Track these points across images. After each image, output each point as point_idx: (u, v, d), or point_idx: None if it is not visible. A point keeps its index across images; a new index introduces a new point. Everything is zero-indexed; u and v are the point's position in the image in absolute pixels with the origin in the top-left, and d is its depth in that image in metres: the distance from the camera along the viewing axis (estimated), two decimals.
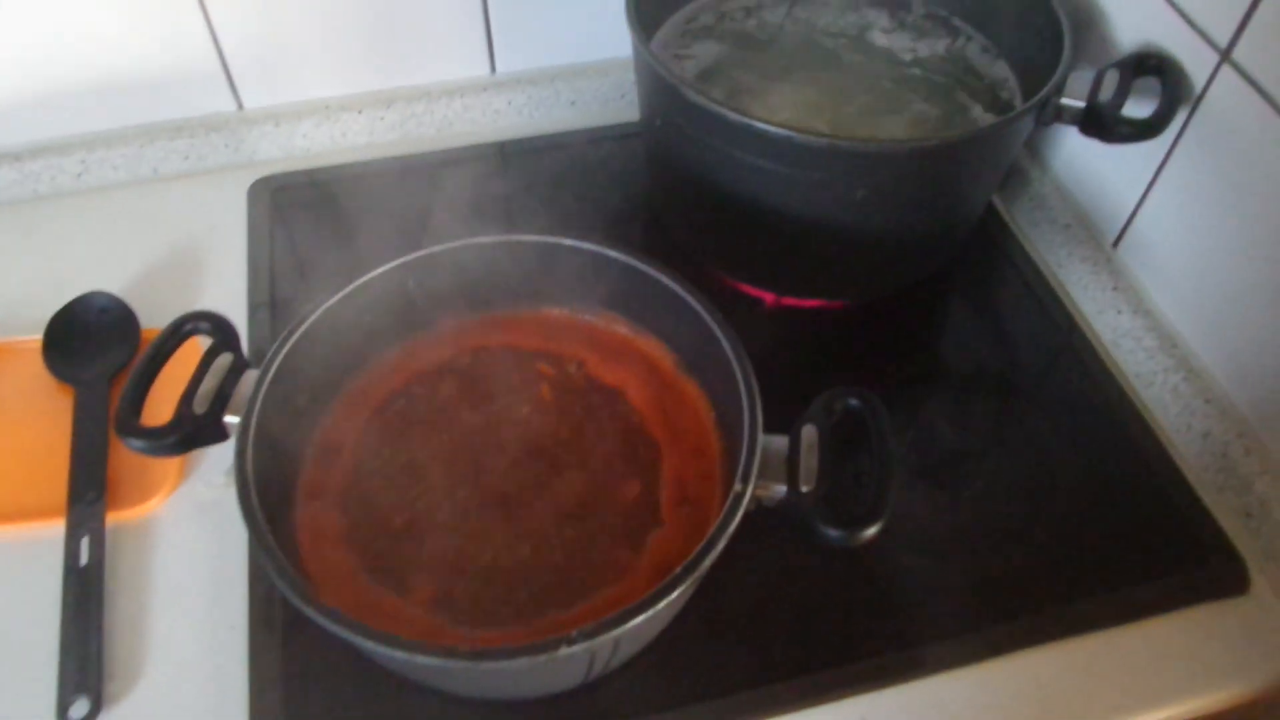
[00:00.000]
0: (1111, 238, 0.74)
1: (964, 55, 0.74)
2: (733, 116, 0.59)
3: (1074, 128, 0.65)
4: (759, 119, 0.58)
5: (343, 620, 0.43)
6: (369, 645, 0.43)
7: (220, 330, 0.54)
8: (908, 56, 0.73)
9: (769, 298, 0.73)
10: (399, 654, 0.42)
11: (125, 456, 0.62)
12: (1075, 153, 0.76)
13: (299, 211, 0.79)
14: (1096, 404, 0.69)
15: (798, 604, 0.59)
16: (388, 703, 0.54)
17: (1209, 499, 0.64)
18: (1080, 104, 0.63)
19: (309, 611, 0.43)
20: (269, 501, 0.49)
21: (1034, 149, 0.81)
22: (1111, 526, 0.63)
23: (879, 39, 0.75)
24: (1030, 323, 0.75)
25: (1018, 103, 0.70)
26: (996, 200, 0.81)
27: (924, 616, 0.59)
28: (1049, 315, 0.74)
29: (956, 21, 0.76)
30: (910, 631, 0.58)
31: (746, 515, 0.49)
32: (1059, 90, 0.63)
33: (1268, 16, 0.57)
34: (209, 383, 0.51)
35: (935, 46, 0.74)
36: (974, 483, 0.65)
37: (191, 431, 0.50)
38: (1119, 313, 0.71)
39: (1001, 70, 0.72)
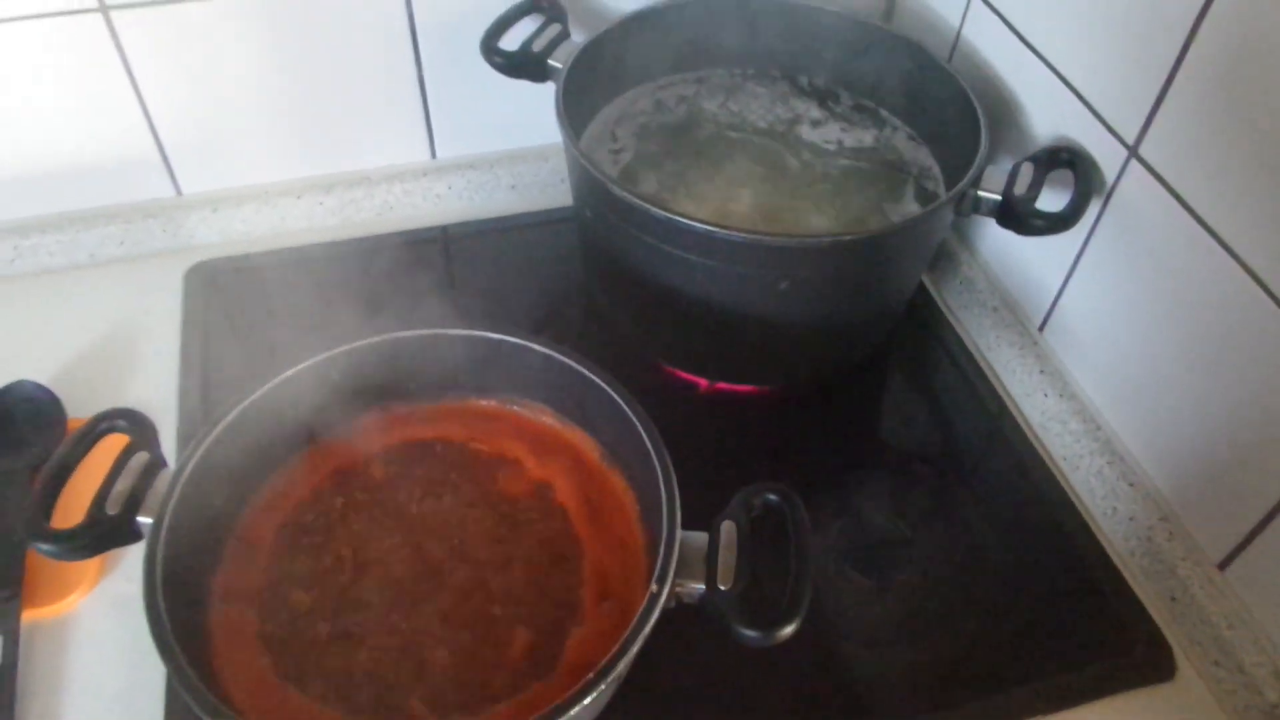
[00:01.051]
0: (1038, 322, 0.75)
1: (891, 145, 0.76)
2: (656, 212, 0.60)
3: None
4: (681, 215, 0.59)
5: None
6: None
7: (137, 428, 0.53)
8: (835, 146, 0.75)
9: (702, 383, 0.74)
10: None
11: None
12: (1001, 238, 0.78)
13: (235, 297, 0.79)
14: (1026, 487, 0.70)
15: (729, 692, 0.59)
16: None
17: (1136, 584, 0.65)
18: (997, 196, 0.65)
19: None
20: (182, 601, 0.49)
21: (962, 234, 0.83)
22: (1042, 612, 0.64)
23: (808, 130, 0.77)
24: (962, 405, 0.76)
25: (942, 192, 0.72)
26: (928, 282, 0.83)
27: (856, 705, 0.59)
28: (979, 398, 0.76)
29: (883, 113, 0.78)
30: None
31: (668, 612, 0.49)
32: (976, 183, 0.65)
33: (1170, 114, 0.59)
34: (123, 483, 0.51)
35: (863, 137, 0.76)
36: (905, 569, 0.65)
37: (104, 534, 0.50)
38: (1045, 396, 0.73)
39: (926, 159, 0.75)
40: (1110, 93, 0.64)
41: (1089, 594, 0.65)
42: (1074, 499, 0.69)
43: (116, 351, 0.74)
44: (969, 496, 0.70)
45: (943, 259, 0.83)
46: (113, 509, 0.50)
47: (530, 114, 0.85)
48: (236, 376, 0.73)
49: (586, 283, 0.80)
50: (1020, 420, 0.74)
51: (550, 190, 0.89)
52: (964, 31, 0.77)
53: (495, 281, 0.82)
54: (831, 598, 0.63)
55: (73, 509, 0.50)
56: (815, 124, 0.77)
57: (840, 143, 0.76)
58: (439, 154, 0.87)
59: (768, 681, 0.59)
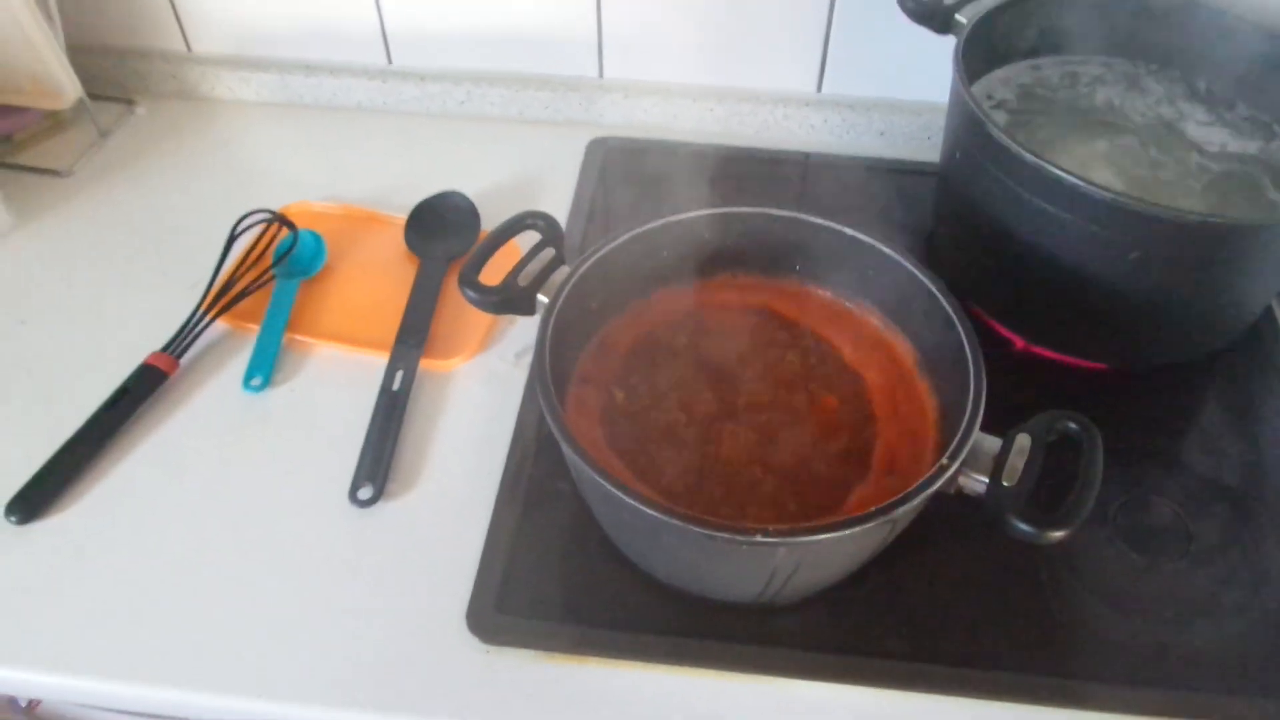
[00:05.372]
0: None
1: (1276, 159, 0.74)
2: (1029, 158, 0.64)
3: None
4: (1053, 163, 0.63)
5: (591, 461, 0.52)
6: (609, 489, 0.52)
7: (551, 230, 0.66)
8: (1217, 149, 0.75)
9: (1018, 342, 0.77)
10: (629, 500, 0.51)
11: (443, 321, 0.77)
12: None
13: (624, 170, 0.92)
14: None
15: (971, 607, 0.63)
16: (590, 575, 0.63)
17: None
18: None
19: (568, 447, 0.53)
20: (552, 369, 0.60)
21: None
22: None
23: (1192, 128, 0.77)
24: None
25: None
26: (1276, 306, 0.81)
27: (1085, 655, 0.61)
28: None
29: (1278, 127, 0.77)
30: (1069, 664, 0.60)
31: (945, 501, 0.54)
32: None
33: None
34: (533, 266, 0.63)
35: (1247, 145, 0.75)
36: (1177, 561, 0.66)
37: (511, 298, 0.62)
38: None
39: None
40: None
41: None
42: None
43: (524, 190, 0.90)
44: (1266, 524, 0.68)
45: None
46: (523, 282, 0.63)
47: (917, 68, 0.91)
48: (611, 227, 0.85)
49: (931, 227, 0.85)
50: None
51: (915, 143, 0.94)
52: None
53: (844, 209, 0.87)
54: (1096, 558, 0.65)
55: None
56: (1201, 124, 0.77)
57: (1223, 146, 0.75)
58: (824, 89, 0.95)
59: (1010, 606, 0.63)
